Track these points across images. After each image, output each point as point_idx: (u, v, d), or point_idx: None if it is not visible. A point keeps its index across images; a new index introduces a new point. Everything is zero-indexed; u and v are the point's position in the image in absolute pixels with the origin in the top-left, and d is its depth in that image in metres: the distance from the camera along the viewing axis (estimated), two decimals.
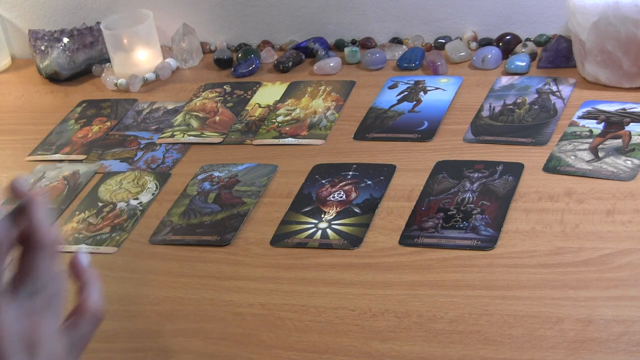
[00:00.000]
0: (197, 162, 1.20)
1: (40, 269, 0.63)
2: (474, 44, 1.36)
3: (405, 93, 1.27)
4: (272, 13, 1.47)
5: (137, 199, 1.14)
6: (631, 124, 1.09)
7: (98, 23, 1.48)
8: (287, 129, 1.23)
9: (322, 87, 1.32)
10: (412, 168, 1.10)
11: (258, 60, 1.43)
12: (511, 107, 1.18)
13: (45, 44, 1.48)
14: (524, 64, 1.26)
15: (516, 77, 1.25)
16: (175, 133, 1.28)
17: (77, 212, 1.14)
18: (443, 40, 1.37)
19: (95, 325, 0.66)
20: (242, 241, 1.03)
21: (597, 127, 1.10)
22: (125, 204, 1.13)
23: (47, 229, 0.64)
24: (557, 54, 1.26)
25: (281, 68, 1.40)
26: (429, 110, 1.21)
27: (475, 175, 1.05)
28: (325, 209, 1.05)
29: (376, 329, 0.86)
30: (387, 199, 1.05)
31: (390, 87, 1.29)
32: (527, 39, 1.34)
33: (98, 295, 0.67)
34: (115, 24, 1.43)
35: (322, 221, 1.03)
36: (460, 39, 1.37)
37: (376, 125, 1.20)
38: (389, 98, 1.26)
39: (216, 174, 1.16)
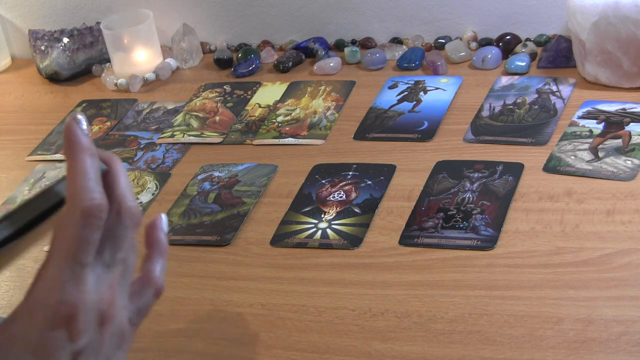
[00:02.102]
0: (197, 162, 1.20)
1: (123, 240, 0.61)
2: (474, 44, 1.36)
3: (405, 93, 1.27)
4: (272, 13, 1.47)
5: (137, 199, 1.14)
6: (631, 124, 1.09)
7: (98, 23, 1.48)
8: (287, 129, 1.23)
9: (322, 87, 1.32)
10: (412, 168, 1.10)
11: (258, 60, 1.43)
12: (511, 107, 1.18)
13: (45, 44, 1.48)
14: (524, 64, 1.26)
15: (516, 77, 1.25)
16: (175, 133, 1.28)
17: None
18: (443, 40, 1.37)
19: (156, 297, 0.64)
20: (242, 241, 1.03)
21: (597, 127, 1.10)
22: None
23: (132, 198, 0.61)
24: (557, 54, 1.26)
25: (281, 68, 1.40)
26: (429, 110, 1.21)
27: (475, 175, 1.05)
28: (325, 209, 1.05)
29: (376, 329, 0.86)
30: (387, 199, 1.05)
31: (390, 87, 1.29)
32: (527, 39, 1.34)
33: (163, 269, 0.65)
34: (115, 24, 1.43)
35: (322, 221, 1.03)
36: (460, 39, 1.37)
37: (376, 125, 1.20)
38: (389, 98, 1.26)
39: (216, 174, 1.16)
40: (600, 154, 1.05)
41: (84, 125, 0.61)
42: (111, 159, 0.62)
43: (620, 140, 1.06)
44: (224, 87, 1.38)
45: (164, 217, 0.66)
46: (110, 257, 0.60)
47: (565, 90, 1.20)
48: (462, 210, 1.00)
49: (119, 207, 0.60)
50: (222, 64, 1.45)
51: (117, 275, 0.61)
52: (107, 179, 0.60)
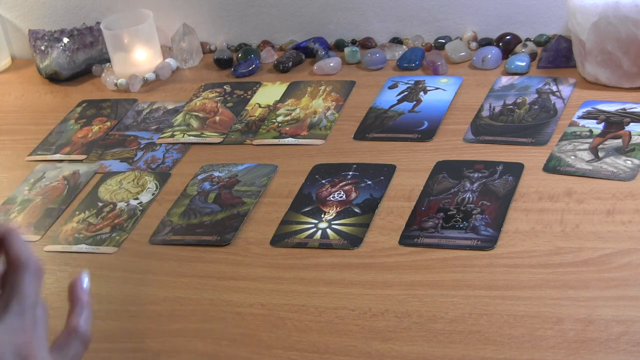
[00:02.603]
0: (197, 162, 1.20)
1: (27, 289, 0.66)
2: (474, 44, 1.36)
3: (405, 93, 1.27)
4: (272, 13, 1.47)
5: (137, 199, 1.14)
6: (631, 124, 1.09)
7: (98, 23, 1.48)
8: (287, 129, 1.23)
9: (322, 87, 1.32)
10: (412, 168, 1.10)
11: (258, 60, 1.43)
12: (511, 107, 1.18)
13: (45, 44, 1.48)
14: (524, 64, 1.26)
15: (516, 77, 1.25)
16: (175, 133, 1.28)
17: (77, 212, 1.14)
18: (443, 40, 1.37)
19: (84, 347, 0.69)
20: (242, 241, 1.03)
21: (597, 127, 1.10)
22: (125, 204, 1.13)
23: (29, 252, 0.67)
24: (557, 54, 1.26)
25: (281, 68, 1.40)
26: (429, 110, 1.21)
27: (475, 175, 1.05)
28: (325, 209, 1.05)
29: (376, 329, 0.86)
30: (387, 199, 1.05)
31: (390, 87, 1.29)
32: (527, 39, 1.34)
33: (88, 319, 0.70)
34: (115, 24, 1.43)
35: (322, 221, 1.03)
36: (460, 39, 1.37)
37: (376, 125, 1.20)
38: (389, 98, 1.26)
39: (216, 174, 1.16)
40: (600, 154, 1.05)
41: None
42: (3, 230, 0.68)
43: (620, 140, 1.06)
44: (224, 87, 1.38)
45: (84, 277, 0.72)
46: (18, 306, 0.65)
47: (565, 90, 1.20)
48: (462, 210, 1.00)
49: (16, 261, 0.67)
50: (222, 64, 1.45)
51: (28, 321, 0.65)
52: (4, 236, 0.68)
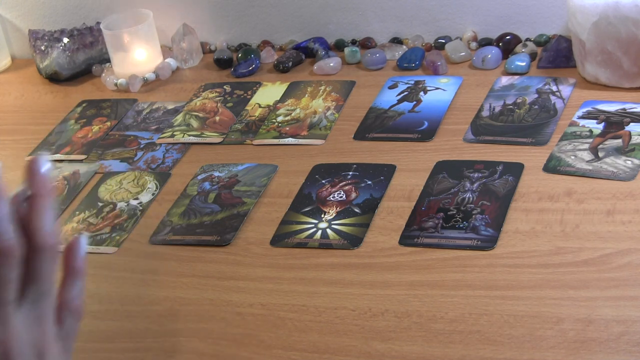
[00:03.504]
0: (197, 162, 1.20)
1: (44, 273, 0.61)
2: (474, 44, 1.36)
3: (405, 93, 1.27)
4: (272, 13, 1.47)
5: (137, 199, 1.14)
6: (631, 124, 1.09)
7: (98, 23, 1.48)
8: (287, 129, 1.23)
9: (322, 87, 1.32)
10: (412, 168, 1.10)
11: (258, 60, 1.43)
12: (511, 107, 1.18)
13: (45, 44, 1.48)
14: (524, 64, 1.26)
15: (516, 77, 1.25)
16: (175, 133, 1.28)
17: (77, 212, 1.14)
18: (443, 40, 1.37)
19: (77, 322, 0.65)
20: (242, 241, 1.03)
21: (597, 127, 1.10)
22: (125, 204, 1.13)
23: (50, 229, 0.61)
24: (557, 54, 1.26)
25: (281, 68, 1.40)
26: (429, 110, 1.21)
27: (475, 175, 1.05)
28: (325, 209, 1.05)
29: (376, 329, 0.86)
30: (387, 199, 1.05)
31: (390, 87, 1.29)
32: (527, 39, 1.34)
33: (79, 292, 0.65)
34: (115, 24, 1.43)
35: (322, 221, 1.03)
36: (460, 39, 1.37)
37: (376, 125, 1.20)
38: (389, 98, 1.26)
39: (216, 174, 1.16)
40: (600, 154, 1.05)
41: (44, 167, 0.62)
42: (39, 191, 0.62)
43: (620, 140, 1.06)
44: (224, 87, 1.38)
45: (83, 239, 0.66)
46: (35, 292, 0.61)
47: (565, 90, 1.20)
48: (462, 210, 1.00)
49: (35, 239, 0.61)
50: (222, 64, 1.45)
51: (45, 308, 0.62)
52: (28, 209, 0.61)
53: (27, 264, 0.61)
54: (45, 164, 0.62)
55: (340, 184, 1.09)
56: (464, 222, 0.98)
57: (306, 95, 1.31)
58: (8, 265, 0.59)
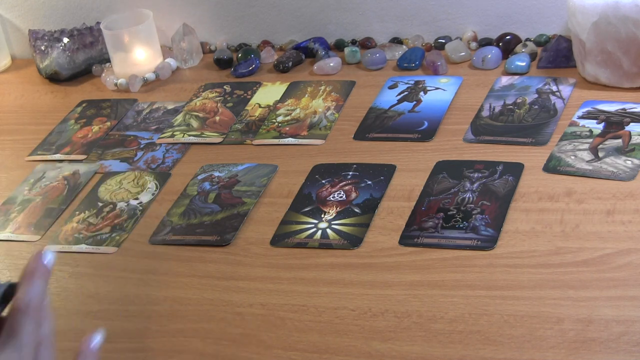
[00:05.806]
0: (197, 162, 1.20)
1: (23, 332, 0.65)
2: (474, 44, 1.36)
3: (405, 93, 1.27)
4: (272, 13, 1.47)
5: (137, 199, 1.14)
6: (631, 124, 1.09)
7: (98, 23, 1.48)
8: (287, 129, 1.23)
9: (322, 87, 1.32)
10: (412, 168, 1.10)
11: (258, 60, 1.43)
12: (511, 107, 1.18)
13: (45, 44, 1.48)
14: (524, 64, 1.26)
15: (516, 77, 1.25)
16: (175, 133, 1.28)
17: (77, 212, 1.14)
18: (443, 40, 1.37)
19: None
20: (242, 241, 1.03)
21: (597, 127, 1.10)
22: (125, 204, 1.13)
23: (39, 297, 0.66)
24: (557, 54, 1.26)
25: (281, 68, 1.40)
26: (429, 110, 1.21)
27: (475, 175, 1.05)
28: (325, 209, 1.05)
29: (376, 329, 0.86)
30: (387, 199, 1.05)
31: (390, 87, 1.29)
32: (527, 39, 1.34)
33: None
34: (115, 24, 1.43)
35: (322, 221, 1.03)
36: (460, 39, 1.37)
37: (376, 125, 1.20)
38: (389, 98, 1.26)
39: (216, 174, 1.16)
40: (600, 154, 1.05)
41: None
42: (38, 269, 0.67)
43: (620, 140, 1.06)
44: (224, 87, 1.38)
45: (98, 337, 0.71)
46: (14, 344, 0.65)
47: (565, 90, 1.20)
48: (462, 210, 1.00)
49: (21, 300, 0.66)
50: (222, 64, 1.45)
51: (27, 357, 0.65)
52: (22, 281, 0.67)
53: (10, 320, 0.66)
54: (48, 256, 0.68)
55: (340, 184, 1.09)
56: (464, 222, 0.98)
57: (306, 95, 1.31)
58: None
